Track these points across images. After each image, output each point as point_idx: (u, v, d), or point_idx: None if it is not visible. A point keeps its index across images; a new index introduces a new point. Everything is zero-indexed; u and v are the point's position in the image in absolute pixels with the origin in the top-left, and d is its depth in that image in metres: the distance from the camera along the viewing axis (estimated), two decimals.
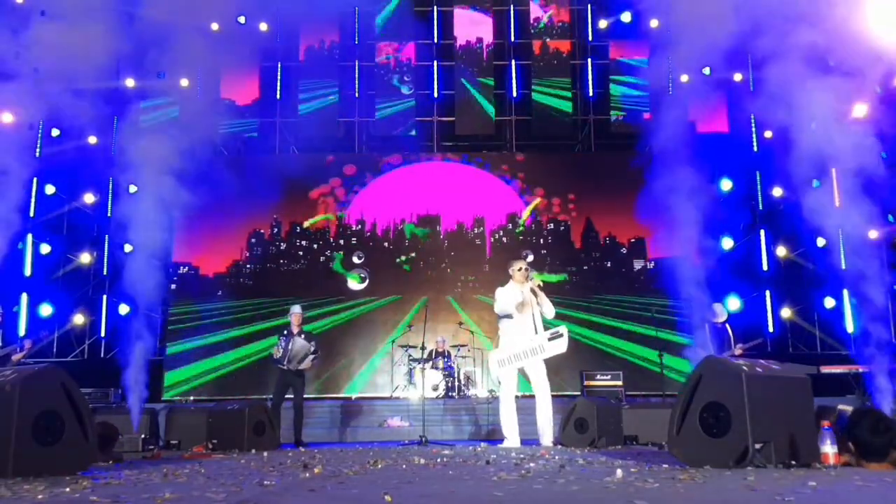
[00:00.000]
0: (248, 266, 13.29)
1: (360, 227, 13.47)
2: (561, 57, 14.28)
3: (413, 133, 13.97)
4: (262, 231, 13.40)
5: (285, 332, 8.73)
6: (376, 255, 13.30)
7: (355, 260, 13.31)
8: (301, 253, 13.36)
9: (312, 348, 8.62)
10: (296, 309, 8.89)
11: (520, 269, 6.99)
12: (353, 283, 13.20)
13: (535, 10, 14.35)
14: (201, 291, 13.01)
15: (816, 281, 12.07)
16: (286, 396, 8.60)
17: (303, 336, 8.66)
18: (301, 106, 13.86)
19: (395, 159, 13.73)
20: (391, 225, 13.48)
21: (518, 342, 6.79)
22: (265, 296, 12.80)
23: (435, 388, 11.15)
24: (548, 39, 14.28)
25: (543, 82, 14.10)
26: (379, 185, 13.61)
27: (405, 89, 14.02)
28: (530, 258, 13.01)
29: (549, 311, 6.94)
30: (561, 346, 6.67)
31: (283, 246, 13.38)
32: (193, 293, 13.02)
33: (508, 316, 6.87)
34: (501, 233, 13.47)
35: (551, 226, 13.45)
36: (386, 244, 13.41)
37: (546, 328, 6.84)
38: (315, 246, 13.40)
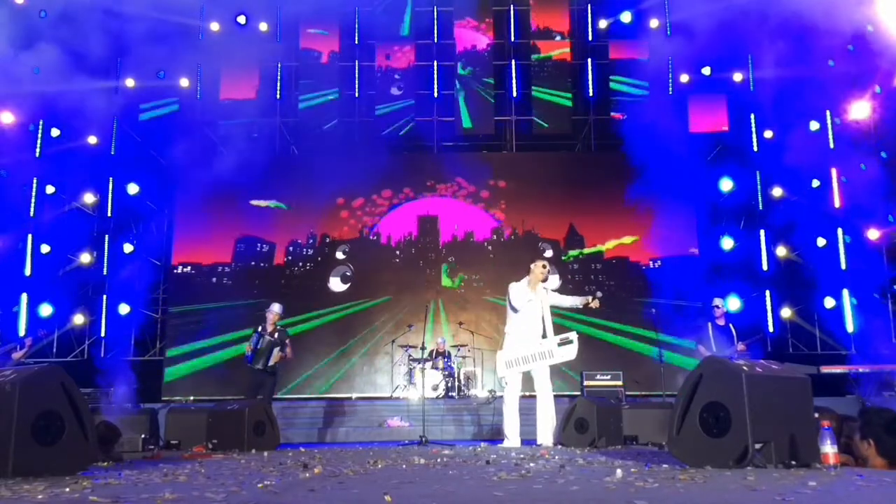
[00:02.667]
0: (245, 267, 13.27)
1: (376, 237, 13.49)
2: (561, 57, 14.28)
3: (409, 128, 13.93)
4: (265, 233, 13.37)
5: (259, 328, 8.71)
6: (378, 257, 13.33)
7: (339, 255, 13.23)
8: (308, 255, 13.33)
9: (273, 340, 8.61)
10: (275, 308, 8.84)
11: (543, 267, 6.87)
12: (336, 284, 13.13)
13: (534, 15, 14.32)
14: (201, 292, 12.99)
15: (816, 281, 12.07)
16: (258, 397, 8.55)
17: (276, 335, 8.67)
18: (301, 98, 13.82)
19: (402, 195, 13.72)
20: (402, 239, 13.47)
21: (525, 344, 6.72)
22: (265, 297, 12.76)
23: (435, 388, 11.16)
24: (549, 39, 14.27)
25: (543, 84, 14.10)
26: (392, 216, 13.66)
27: (395, 89, 13.97)
28: (549, 253, 13.07)
29: (564, 301, 7.03)
30: (570, 352, 6.59)
31: (290, 248, 13.36)
32: (193, 293, 13.02)
33: (516, 312, 6.80)
34: (490, 245, 13.50)
35: (545, 228, 13.44)
36: (398, 252, 13.42)
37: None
38: (323, 248, 13.35)
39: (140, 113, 13.36)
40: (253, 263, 13.26)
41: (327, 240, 13.41)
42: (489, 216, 13.56)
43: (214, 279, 13.12)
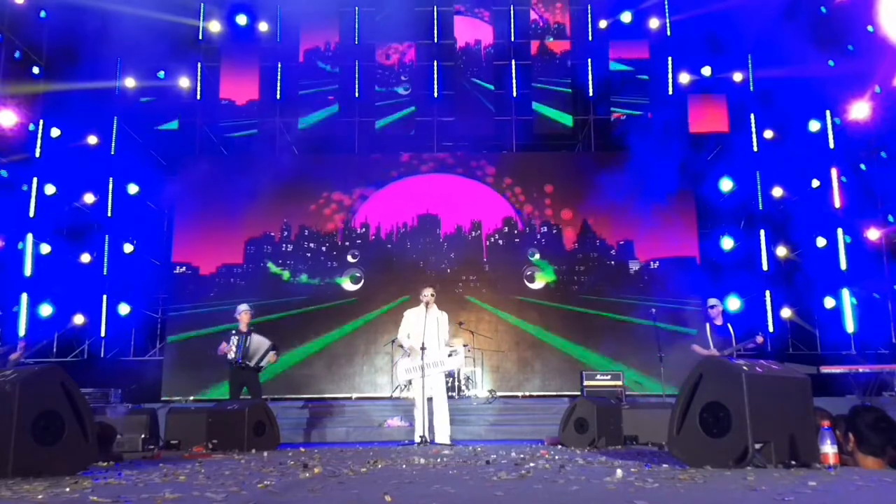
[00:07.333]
0: (245, 266, 13.25)
1: (364, 230, 13.47)
2: (561, 58, 14.26)
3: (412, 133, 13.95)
4: (265, 233, 13.35)
5: (234, 332, 8.70)
6: (378, 257, 13.32)
7: (350, 259, 13.28)
8: (309, 255, 13.33)
9: (270, 343, 8.66)
10: (245, 307, 8.91)
11: (431, 295, 7.87)
12: (348, 284, 13.19)
13: (535, 13, 14.31)
14: (201, 292, 12.98)
15: (816, 281, 12.06)
16: (241, 397, 8.54)
17: (254, 334, 8.68)
18: (301, 119, 13.73)
19: (396, 171, 13.72)
20: (394, 229, 13.48)
21: (421, 355, 7.57)
22: (265, 296, 12.74)
23: None
24: (550, 39, 14.25)
25: (543, 83, 14.08)
26: (382, 196, 13.63)
27: (402, 90, 13.97)
28: (537, 256, 13.14)
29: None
30: (458, 361, 8.13)
31: (290, 248, 13.35)
32: (194, 293, 13.00)
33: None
34: (497, 236, 13.47)
35: (544, 228, 13.44)
36: (389, 246, 13.42)
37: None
38: (323, 248, 13.37)
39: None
40: (261, 264, 13.26)
41: (314, 235, 13.41)
42: (489, 217, 13.54)
43: (216, 279, 13.09)
